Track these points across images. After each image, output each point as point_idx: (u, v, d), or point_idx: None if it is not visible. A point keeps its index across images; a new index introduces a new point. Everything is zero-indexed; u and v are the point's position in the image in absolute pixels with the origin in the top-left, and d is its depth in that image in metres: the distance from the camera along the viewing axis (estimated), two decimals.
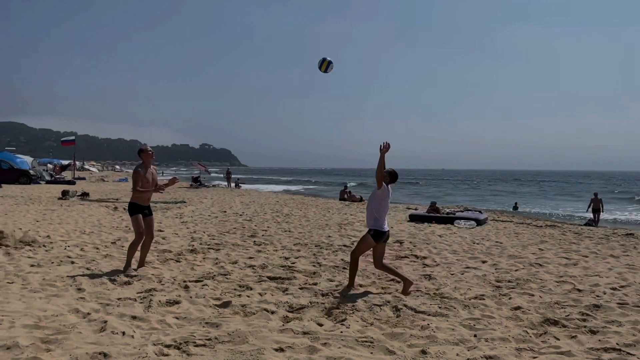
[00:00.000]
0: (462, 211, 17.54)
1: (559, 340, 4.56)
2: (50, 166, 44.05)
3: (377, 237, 6.08)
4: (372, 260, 8.19)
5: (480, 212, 18.13)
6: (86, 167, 74.77)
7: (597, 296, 6.15)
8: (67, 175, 40.83)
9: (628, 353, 4.22)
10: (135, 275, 6.40)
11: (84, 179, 41.58)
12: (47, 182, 32.41)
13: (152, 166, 6.92)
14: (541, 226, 15.65)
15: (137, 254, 6.93)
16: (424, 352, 4.11)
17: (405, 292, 6.05)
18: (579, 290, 6.43)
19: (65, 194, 19.85)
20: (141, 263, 6.93)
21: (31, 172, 31.78)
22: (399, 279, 6.39)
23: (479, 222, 14.54)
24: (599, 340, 4.56)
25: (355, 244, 6.29)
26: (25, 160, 33.88)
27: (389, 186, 6.14)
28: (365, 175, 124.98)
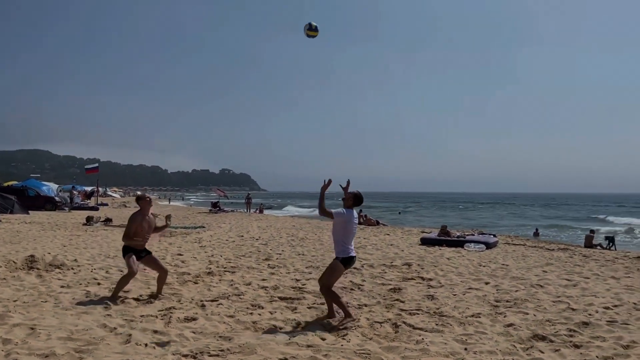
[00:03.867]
0: (473, 234, 17.84)
1: (543, 353, 4.94)
2: (75, 193, 45.24)
3: (346, 263, 5.98)
4: (378, 282, 8.65)
5: (493, 235, 18.40)
6: (109, 193, 76.36)
7: (589, 315, 6.49)
8: (90, 201, 41.94)
9: None
10: (110, 307, 6.28)
11: (106, 205, 42.66)
12: (72, 209, 33.41)
13: (150, 214, 7.06)
14: (552, 249, 15.85)
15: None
16: None
17: (341, 324, 5.85)
18: (573, 309, 6.78)
19: (89, 220, 20.65)
20: (159, 291, 7.11)
21: (56, 198, 32.84)
22: (340, 309, 6.11)
23: (489, 246, 14.85)
24: (581, 353, 4.93)
25: (323, 275, 6.15)
26: (51, 187, 35.00)
27: (353, 209, 6.10)
28: (385, 199, 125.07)
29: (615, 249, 19.21)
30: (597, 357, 4.79)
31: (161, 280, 7.12)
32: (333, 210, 5.97)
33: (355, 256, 6.13)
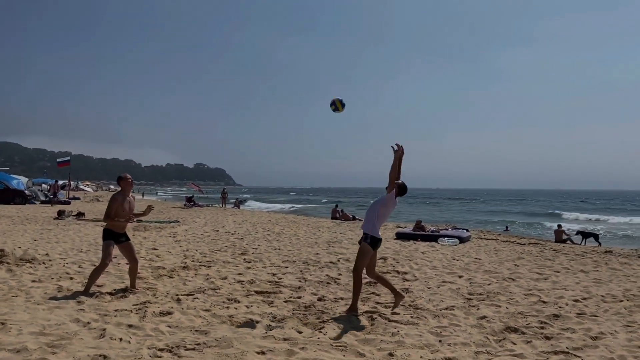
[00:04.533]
0: (447, 229, 18.08)
1: (515, 345, 5.04)
2: (45, 186, 44.30)
3: (373, 244, 6.05)
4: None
5: (466, 230, 18.67)
6: (81, 187, 75.03)
7: (560, 307, 6.66)
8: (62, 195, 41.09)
9: (575, 355, 4.72)
10: (83, 301, 6.11)
11: (78, 199, 41.91)
12: (42, 202, 32.74)
13: (131, 194, 6.91)
14: (524, 244, 16.18)
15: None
16: (391, 354, 4.59)
17: (396, 305, 6.26)
18: (544, 302, 6.95)
19: (60, 213, 20.26)
20: (132, 285, 7.01)
21: (26, 192, 32.13)
22: (390, 292, 6.46)
23: (462, 240, 15.07)
24: (551, 344, 5.06)
25: (355, 260, 6.25)
26: (21, 181, 34.23)
27: (396, 198, 6.11)
28: (357, 194, 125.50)
29: (600, 244, 19.35)
30: (567, 348, 4.91)
31: (133, 272, 7.00)
32: (394, 189, 6.00)
33: (381, 239, 6.23)
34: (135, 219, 7.06)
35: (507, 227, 30.02)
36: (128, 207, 6.77)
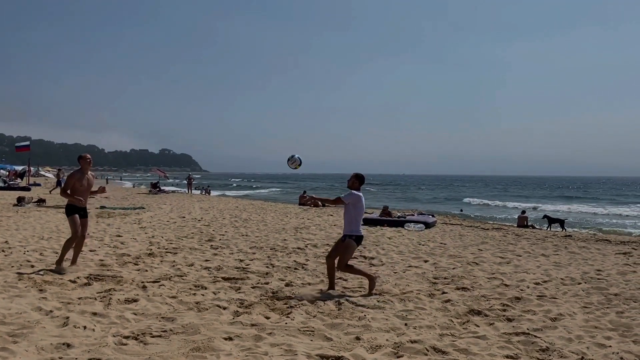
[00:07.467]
0: (413, 215, 18.33)
1: (478, 327, 5.18)
2: (4, 172, 42.93)
3: (358, 241, 6.43)
4: (321, 261, 8.76)
5: (432, 215, 18.97)
6: (41, 172, 72.93)
7: (521, 290, 6.86)
8: (21, 181, 39.92)
9: (534, 336, 4.87)
10: (64, 273, 6.85)
11: (39, 185, 40.77)
12: (1, 189, 31.73)
13: (89, 173, 7.39)
14: (487, 229, 16.56)
15: (71, 252, 7.45)
16: (358, 338, 4.65)
17: (371, 289, 6.41)
18: (506, 285, 7.14)
19: (20, 200, 19.67)
20: (74, 261, 7.40)
21: None
22: (364, 277, 6.68)
23: (428, 225, 15.32)
24: (513, 326, 5.21)
25: (333, 252, 6.53)
26: None
27: (360, 190, 6.50)
28: (329, 179, 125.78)
29: (565, 230, 19.84)
30: (527, 329, 5.07)
31: (78, 247, 7.42)
32: (342, 196, 6.48)
33: (363, 235, 6.60)
34: (98, 195, 7.56)
35: (461, 210, 31.09)
36: (87, 183, 7.30)
